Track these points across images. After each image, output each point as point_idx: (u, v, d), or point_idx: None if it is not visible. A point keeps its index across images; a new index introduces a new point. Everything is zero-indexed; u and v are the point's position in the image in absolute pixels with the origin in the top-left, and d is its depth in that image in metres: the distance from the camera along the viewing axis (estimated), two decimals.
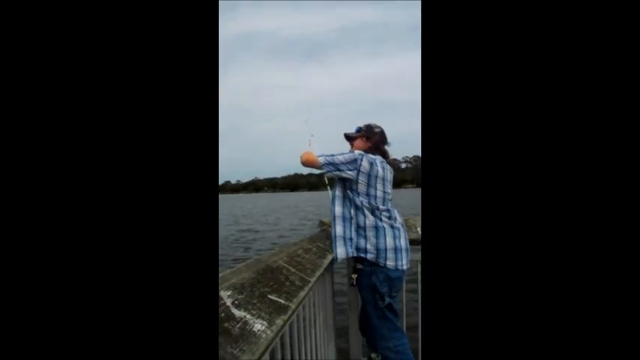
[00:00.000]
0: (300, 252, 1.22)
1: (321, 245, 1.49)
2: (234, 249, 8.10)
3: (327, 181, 1.86)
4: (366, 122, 1.78)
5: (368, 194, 1.60)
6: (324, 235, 1.66)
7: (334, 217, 1.61)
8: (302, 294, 0.90)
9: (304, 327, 1.16)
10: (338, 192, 1.64)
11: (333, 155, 1.60)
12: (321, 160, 1.59)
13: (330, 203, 1.68)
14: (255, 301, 0.74)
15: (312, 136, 1.80)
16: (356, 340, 1.88)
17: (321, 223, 1.95)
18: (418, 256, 1.72)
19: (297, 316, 1.07)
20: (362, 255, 1.57)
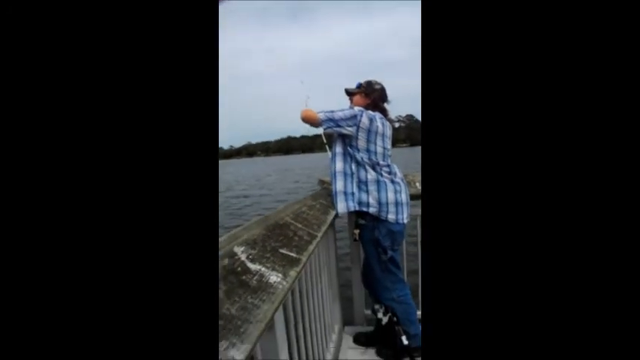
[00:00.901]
0: (304, 209, 1.25)
1: (323, 202, 1.52)
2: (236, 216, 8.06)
3: (325, 140, 1.86)
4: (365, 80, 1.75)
5: (368, 150, 1.61)
6: (326, 193, 1.68)
7: (335, 173, 1.63)
8: (311, 247, 0.93)
9: (312, 279, 1.21)
10: (338, 148, 1.65)
11: (332, 111, 1.59)
12: (321, 116, 1.59)
13: (329, 162, 1.69)
14: (268, 255, 0.77)
15: (309, 97, 1.79)
16: (358, 293, 1.96)
17: (321, 182, 1.97)
18: (418, 210, 1.76)
19: (305, 269, 1.11)
20: (364, 209, 1.60)
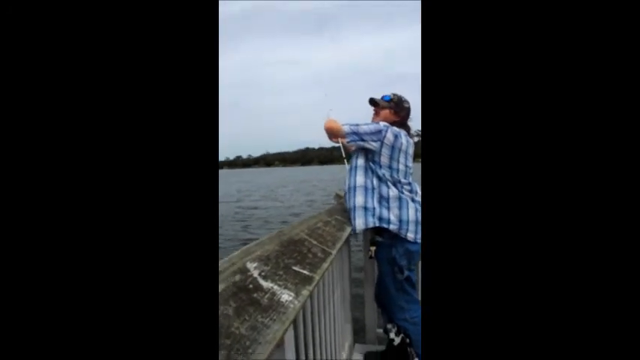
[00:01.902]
0: (319, 225, 1.23)
1: (339, 218, 1.50)
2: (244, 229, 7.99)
3: (344, 154, 1.85)
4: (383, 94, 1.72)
5: (390, 167, 1.57)
6: (342, 208, 1.66)
7: (354, 187, 1.58)
8: (325, 265, 0.91)
9: (324, 297, 1.18)
10: (360, 162, 1.61)
11: (357, 125, 1.56)
12: (346, 128, 1.56)
13: (347, 176, 1.66)
14: (280, 272, 0.75)
15: (331, 109, 1.78)
16: (371, 311, 1.92)
17: (337, 197, 1.95)
18: None
19: (318, 287, 1.09)
20: (384, 225, 1.54)
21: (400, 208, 1.55)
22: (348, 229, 1.44)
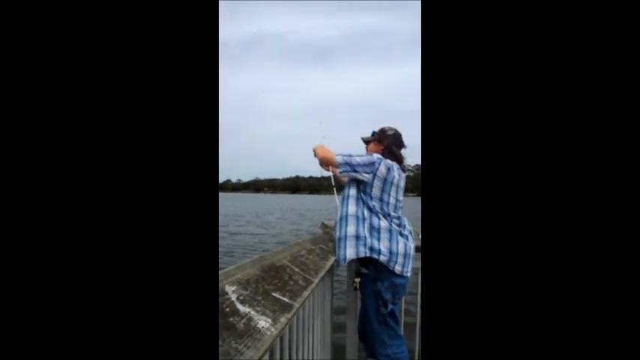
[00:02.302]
0: (303, 252, 1.22)
1: (323, 247, 1.49)
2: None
3: (333, 183, 1.86)
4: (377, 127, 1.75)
5: (381, 199, 1.57)
6: (327, 238, 1.65)
7: (346, 216, 1.57)
8: (305, 294, 0.90)
9: (303, 327, 1.15)
10: (352, 191, 1.61)
11: (350, 155, 1.57)
12: (339, 159, 1.56)
13: (339, 205, 1.66)
14: (259, 298, 0.74)
15: (324, 137, 1.81)
16: (352, 342, 1.87)
17: (324, 226, 1.95)
18: (418, 263, 1.72)
19: (298, 315, 1.07)
20: (375, 256, 1.52)
21: (390, 240, 1.54)
22: (332, 259, 1.43)
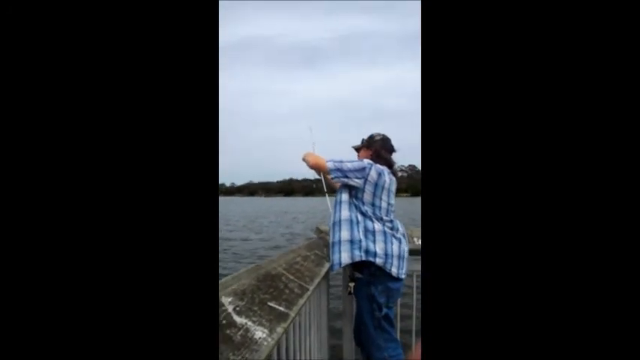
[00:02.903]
0: (298, 259, 1.23)
1: (318, 253, 1.49)
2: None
3: (325, 188, 1.87)
4: (367, 131, 1.80)
5: (373, 204, 1.59)
6: (322, 243, 1.66)
7: (339, 221, 1.58)
8: (301, 302, 0.91)
9: (300, 334, 1.16)
10: (344, 196, 1.62)
11: (341, 161, 1.58)
12: (330, 165, 1.58)
13: (330, 210, 1.68)
14: (255, 308, 0.75)
15: (314, 143, 1.83)
16: (349, 347, 1.88)
17: (318, 231, 1.95)
18: (415, 266, 1.74)
19: (295, 323, 1.07)
20: (371, 259, 1.52)
21: (385, 242, 1.55)
22: (327, 265, 1.44)
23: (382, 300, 1.55)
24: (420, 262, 1.69)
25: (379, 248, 1.53)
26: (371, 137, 1.75)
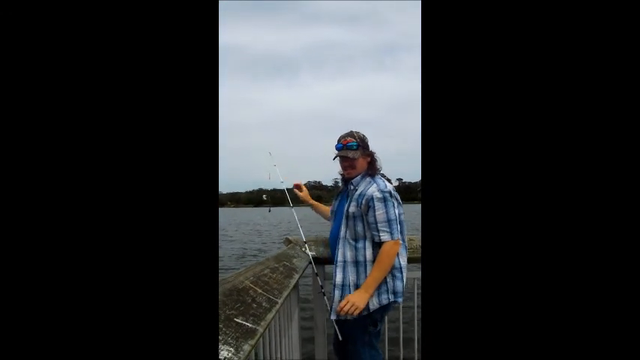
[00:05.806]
0: (266, 271, 1.19)
1: (287, 264, 1.46)
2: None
3: (291, 202, 1.88)
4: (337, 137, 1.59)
5: (400, 222, 1.48)
6: (291, 254, 1.63)
7: (365, 261, 1.45)
8: (269, 316, 0.87)
9: (270, 350, 1.12)
10: (363, 234, 1.47)
11: (389, 220, 1.43)
12: (395, 237, 1.43)
13: (352, 252, 1.51)
14: (220, 325, 0.71)
15: (275, 165, 1.86)
16: (321, 357, 1.85)
17: (287, 241, 1.92)
18: (416, 274, 1.73)
19: (264, 338, 1.04)
20: (398, 300, 1.45)
21: (403, 276, 1.48)
22: (296, 276, 1.40)
23: (377, 316, 1.49)
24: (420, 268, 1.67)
25: (402, 284, 1.46)
26: (362, 140, 1.55)
